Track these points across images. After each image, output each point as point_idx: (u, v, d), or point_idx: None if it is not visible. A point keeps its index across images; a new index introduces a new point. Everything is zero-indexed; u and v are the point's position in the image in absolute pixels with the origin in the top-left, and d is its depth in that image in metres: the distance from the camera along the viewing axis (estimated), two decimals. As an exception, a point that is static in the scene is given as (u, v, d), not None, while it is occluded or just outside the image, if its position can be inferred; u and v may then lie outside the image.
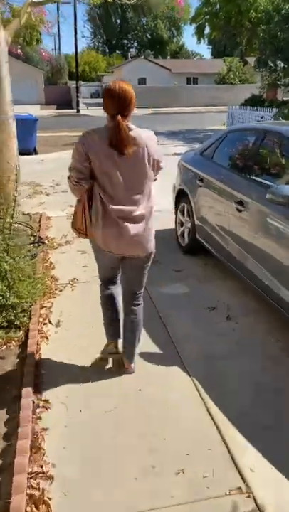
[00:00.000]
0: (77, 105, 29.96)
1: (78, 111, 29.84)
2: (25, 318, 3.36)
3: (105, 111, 2.37)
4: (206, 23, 18.35)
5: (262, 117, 16.76)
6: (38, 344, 3.12)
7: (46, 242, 5.11)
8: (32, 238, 5.12)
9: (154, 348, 3.15)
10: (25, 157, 11.62)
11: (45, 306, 3.71)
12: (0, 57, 5.17)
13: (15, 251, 3.77)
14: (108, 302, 2.84)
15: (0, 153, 5.32)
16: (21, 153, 12.28)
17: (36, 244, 4.89)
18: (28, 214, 6.20)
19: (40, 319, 3.46)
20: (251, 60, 42.30)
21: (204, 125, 20.90)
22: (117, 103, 2.29)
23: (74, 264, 4.62)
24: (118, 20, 63.31)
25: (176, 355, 3.07)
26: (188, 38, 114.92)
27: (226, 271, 4.20)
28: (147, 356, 3.03)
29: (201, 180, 4.30)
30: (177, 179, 5.12)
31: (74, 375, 2.84)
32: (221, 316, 3.65)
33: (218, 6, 18.52)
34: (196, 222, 4.44)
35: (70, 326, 3.46)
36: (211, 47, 57.45)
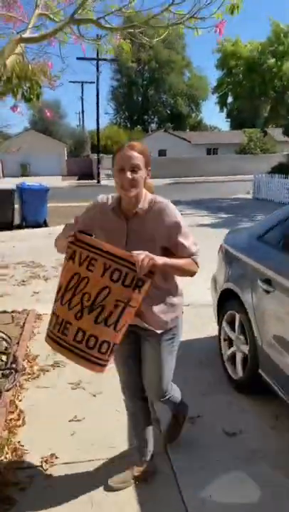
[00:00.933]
0: (98, 176, 29.69)
1: (99, 181, 29.52)
2: None
3: None
4: (229, 93, 17.80)
5: (293, 185, 15.49)
6: None
7: (23, 366, 3.40)
8: (3, 359, 3.43)
9: None
10: (33, 230, 10.34)
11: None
12: None
13: None
14: None
15: None
16: (30, 225, 11.35)
17: (6, 371, 3.20)
18: (11, 312, 4.57)
19: None
20: (272, 131, 42.77)
21: (228, 194, 19.77)
22: None
23: (60, 414, 2.87)
24: (140, 98, 66.18)
25: None
26: (206, 112, 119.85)
27: None
28: None
29: (269, 282, 2.61)
30: (220, 272, 3.46)
31: None
32: None
33: (240, 76, 18.00)
34: (261, 346, 2.71)
35: None
36: (229, 120, 58.92)
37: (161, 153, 39.33)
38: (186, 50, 70.89)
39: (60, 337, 1.85)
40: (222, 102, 18.93)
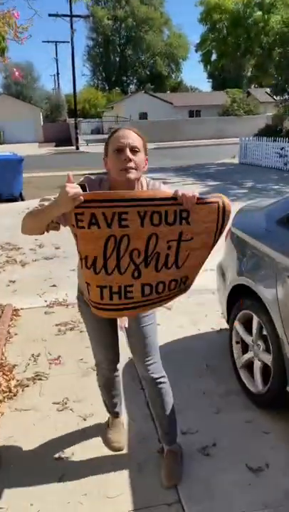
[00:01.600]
0: (77, 142, 28.41)
1: (78, 148, 28.27)
2: None
3: None
4: (213, 50, 16.72)
5: (282, 149, 14.83)
6: None
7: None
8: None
9: None
10: (8, 205, 9.53)
11: None
12: None
13: None
14: None
15: None
16: (4, 199, 10.52)
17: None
18: (-17, 307, 3.96)
19: None
20: (254, 91, 41.53)
21: (213, 159, 19.03)
22: None
23: (44, 449, 2.33)
24: (117, 58, 63.43)
25: None
26: (186, 73, 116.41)
27: None
28: None
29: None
30: (229, 263, 2.88)
31: None
32: None
33: (225, 32, 16.89)
34: None
35: None
36: (211, 80, 57.13)
37: (142, 116, 37.92)
38: (165, 6, 67.89)
39: (126, 303, 1.73)
40: (206, 60, 17.87)
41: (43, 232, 1.74)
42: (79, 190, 1.55)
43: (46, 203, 1.66)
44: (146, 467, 2.16)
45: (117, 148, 1.71)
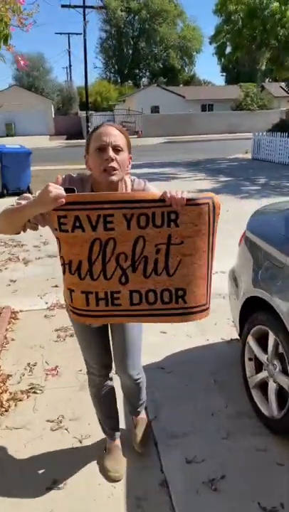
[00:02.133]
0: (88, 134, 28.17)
1: (88, 141, 27.99)
2: None
3: None
4: (228, 42, 16.28)
5: (297, 145, 14.44)
6: None
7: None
8: None
9: None
10: (14, 199, 9.36)
11: None
12: None
13: None
14: None
15: None
16: (12, 193, 10.34)
17: None
18: (-20, 309, 3.76)
19: None
20: (268, 86, 40.80)
21: (225, 154, 18.67)
22: None
23: (35, 476, 2.11)
24: (130, 51, 62.83)
25: None
26: (200, 67, 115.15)
27: None
28: None
29: None
30: (243, 271, 2.62)
31: None
32: None
33: (240, 23, 16.44)
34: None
35: None
36: (224, 74, 56.37)
37: (154, 109, 37.51)
38: (179, -2, 66.92)
39: (113, 310, 1.62)
40: (220, 53, 17.38)
41: (19, 232, 1.61)
42: (61, 192, 1.46)
43: (23, 202, 1.54)
44: (145, 502, 1.93)
45: (99, 147, 1.60)
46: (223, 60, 18.30)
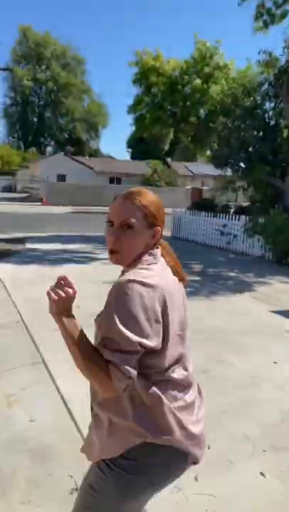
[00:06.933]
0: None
1: (-16, 206, 24.87)
2: None
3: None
4: (147, 115, 15.29)
5: (224, 226, 13.17)
6: None
7: None
8: None
9: None
10: None
11: None
12: None
13: None
14: None
15: None
16: None
17: None
18: None
19: None
20: (173, 164, 42.01)
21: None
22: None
23: None
24: (35, 119, 62.22)
25: None
26: (105, 141, 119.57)
27: None
28: None
29: None
30: None
31: None
32: None
33: (160, 96, 15.58)
34: None
35: None
36: (130, 150, 57.80)
37: (60, 178, 35.81)
38: (87, 76, 69.42)
39: None
40: (140, 124, 16.33)
41: None
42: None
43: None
44: None
45: (106, 221, 1.35)
46: (141, 131, 17.29)
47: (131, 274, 1.25)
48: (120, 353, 1.16)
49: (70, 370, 3.88)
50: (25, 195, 34.70)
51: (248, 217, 12.32)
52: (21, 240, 12.20)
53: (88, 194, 29.88)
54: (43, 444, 2.78)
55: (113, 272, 5.75)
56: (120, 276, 1.30)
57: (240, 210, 15.41)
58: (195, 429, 1.36)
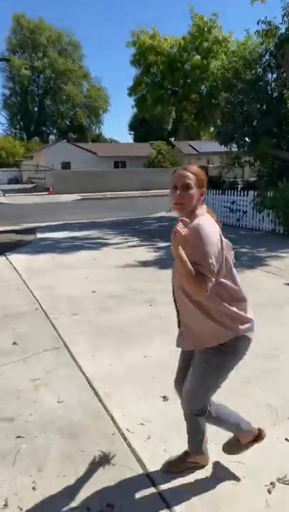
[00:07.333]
0: (-9, 192, 25.19)
1: (-8, 198, 25.01)
2: None
3: None
4: (148, 95, 15.08)
5: (233, 203, 13.10)
6: None
7: None
8: None
9: None
10: None
11: None
12: None
13: None
14: None
15: None
16: None
17: None
18: None
19: None
20: (178, 144, 41.54)
21: (147, 212, 16.99)
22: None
23: None
24: (36, 108, 61.78)
25: None
26: (107, 125, 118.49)
27: None
28: None
29: None
30: None
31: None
32: None
33: (159, 76, 15.34)
34: None
35: None
36: (132, 133, 57.31)
37: (65, 166, 35.71)
38: (84, 60, 68.53)
39: None
40: (140, 106, 16.12)
41: None
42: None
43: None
44: None
45: (172, 186, 2.03)
46: (142, 113, 17.09)
47: (200, 220, 1.93)
48: (206, 269, 1.85)
49: (90, 352, 3.98)
50: (32, 185, 34.72)
51: (256, 192, 12.24)
52: (32, 230, 12.29)
53: (94, 180, 29.77)
54: (71, 423, 2.88)
55: (124, 256, 5.91)
56: (176, 226, 1.88)
57: (248, 186, 15.27)
58: (253, 324, 2.12)
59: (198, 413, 2.20)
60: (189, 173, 1.98)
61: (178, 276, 1.97)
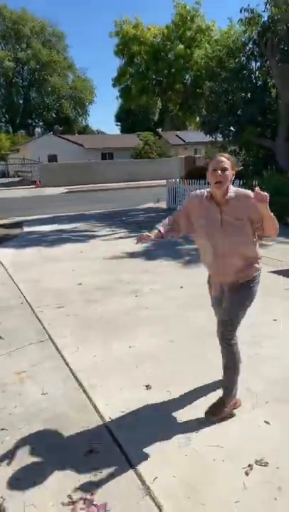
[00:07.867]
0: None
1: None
2: None
3: None
4: (132, 86, 14.98)
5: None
6: None
7: None
8: None
9: None
10: None
11: None
12: None
13: None
14: None
15: None
16: None
17: None
18: None
19: None
20: (164, 134, 41.40)
21: (134, 204, 16.97)
22: None
23: None
24: (21, 101, 61.00)
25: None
26: (93, 117, 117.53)
27: None
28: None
29: None
30: None
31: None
32: None
33: (143, 66, 15.24)
34: None
35: None
36: (119, 124, 56.94)
37: (52, 158, 35.40)
38: (69, 51, 67.65)
39: None
40: (125, 96, 16.03)
41: None
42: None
43: None
44: None
45: (212, 169, 2.69)
46: (128, 103, 16.98)
47: (242, 190, 2.75)
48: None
49: (75, 344, 4.01)
50: (19, 179, 34.40)
51: (241, 181, 12.29)
52: (18, 224, 12.23)
53: (81, 172, 29.57)
54: (55, 415, 2.92)
55: (111, 248, 5.90)
56: (212, 196, 2.74)
57: (234, 175, 15.32)
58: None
59: (232, 334, 2.77)
60: (225, 159, 2.67)
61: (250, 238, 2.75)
